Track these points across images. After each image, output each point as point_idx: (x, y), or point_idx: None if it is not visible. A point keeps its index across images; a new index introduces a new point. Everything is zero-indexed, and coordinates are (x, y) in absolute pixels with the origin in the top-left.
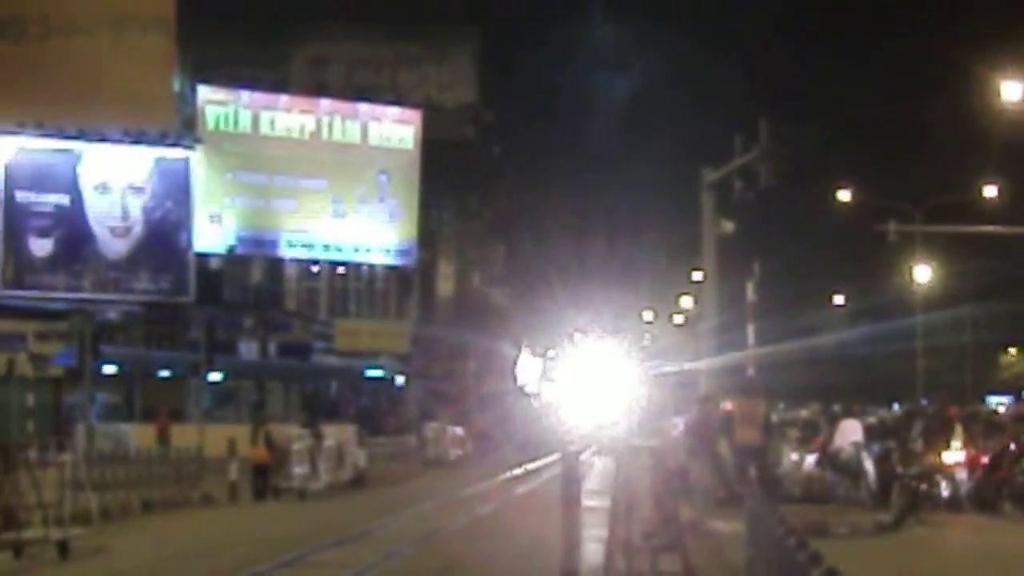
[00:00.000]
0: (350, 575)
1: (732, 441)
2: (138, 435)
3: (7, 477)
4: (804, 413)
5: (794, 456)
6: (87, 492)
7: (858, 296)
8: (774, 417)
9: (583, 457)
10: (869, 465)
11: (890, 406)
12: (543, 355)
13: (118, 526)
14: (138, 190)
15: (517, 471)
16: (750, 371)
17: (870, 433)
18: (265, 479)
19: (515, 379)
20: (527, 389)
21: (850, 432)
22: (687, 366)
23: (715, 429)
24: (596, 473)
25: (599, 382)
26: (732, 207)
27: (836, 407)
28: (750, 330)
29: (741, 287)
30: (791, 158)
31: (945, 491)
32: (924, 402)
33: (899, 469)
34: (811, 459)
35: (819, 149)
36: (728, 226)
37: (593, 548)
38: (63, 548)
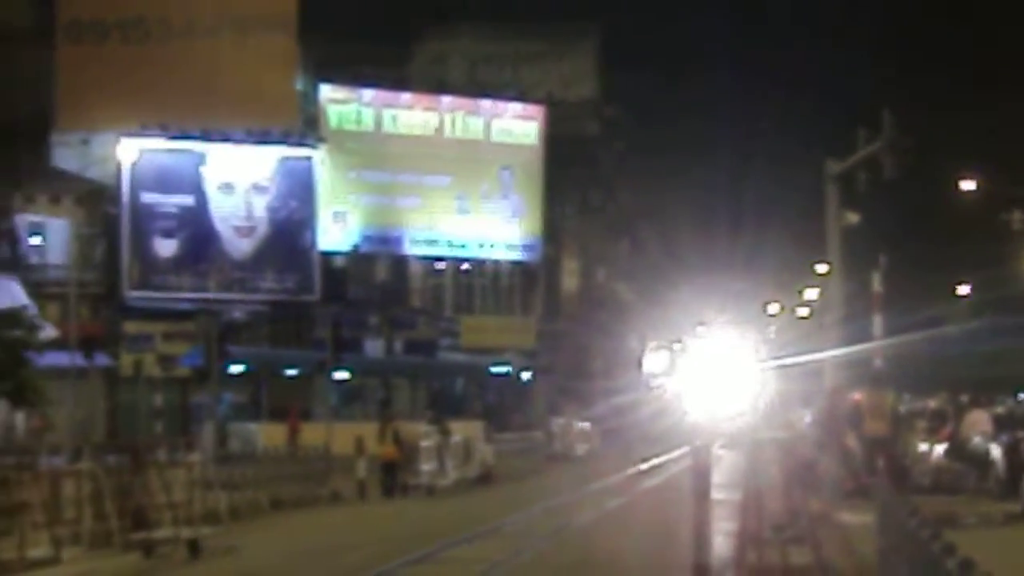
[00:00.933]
0: (481, 571)
1: (860, 433)
2: (265, 434)
3: (137, 477)
4: (932, 404)
5: (922, 447)
6: (216, 491)
7: (983, 286)
8: (901, 408)
9: (711, 450)
10: (998, 455)
11: (1016, 396)
12: (668, 349)
13: (248, 525)
14: (262, 189)
15: (644, 465)
16: (877, 363)
17: (999, 423)
18: (394, 476)
19: (641, 373)
20: (653, 383)
21: (978, 422)
22: (812, 357)
23: (843, 421)
24: (724, 466)
25: (725, 375)
26: (856, 199)
27: (964, 398)
28: (876, 322)
29: (866, 279)
30: (915, 149)
31: None
32: None
33: None
34: (939, 449)
35: (943, 138)
36: (852, 218)
37: (722, 541)
38: (194, 547)
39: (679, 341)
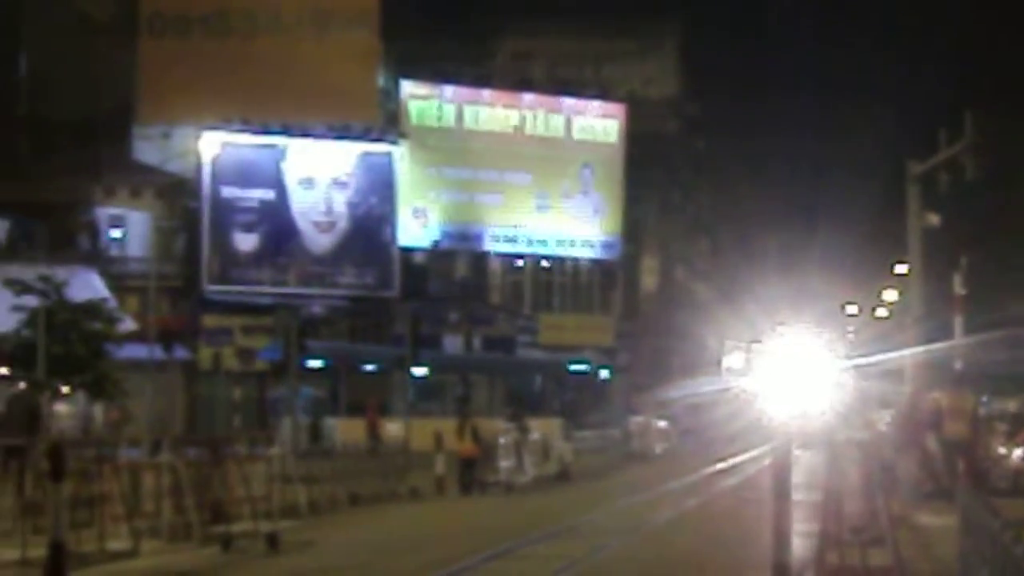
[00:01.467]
0: (560, 568)
1: (940, 434)
2: (343, 429)
3: (216, 470)
4: (1011, 406)
5: (1001, 449)
6: (295, 485)
7: None
8: (981, 410)
9: (791, 450)
10: None
11: None
12: (747, 348)
13: (326, 519)
14: (342, 185)
15: (722, 464)
16: (957, 365)
17: None
18: (472, 473)
19: (719, 372)
20: (730, 382)
21: None
22: (891, 356)
23: (923, 423)
24: (802, 467)
25: (802, 375)
26: (937, 200)
27: None
28: (957, 323)
29: (946, 280)
30: (997, 150)
31: None
32: None
33: None
34: (1018, 452)
35: None
36: (933, 219)
37: (800, 542)
38: (272, 541)
39: (757, 341)
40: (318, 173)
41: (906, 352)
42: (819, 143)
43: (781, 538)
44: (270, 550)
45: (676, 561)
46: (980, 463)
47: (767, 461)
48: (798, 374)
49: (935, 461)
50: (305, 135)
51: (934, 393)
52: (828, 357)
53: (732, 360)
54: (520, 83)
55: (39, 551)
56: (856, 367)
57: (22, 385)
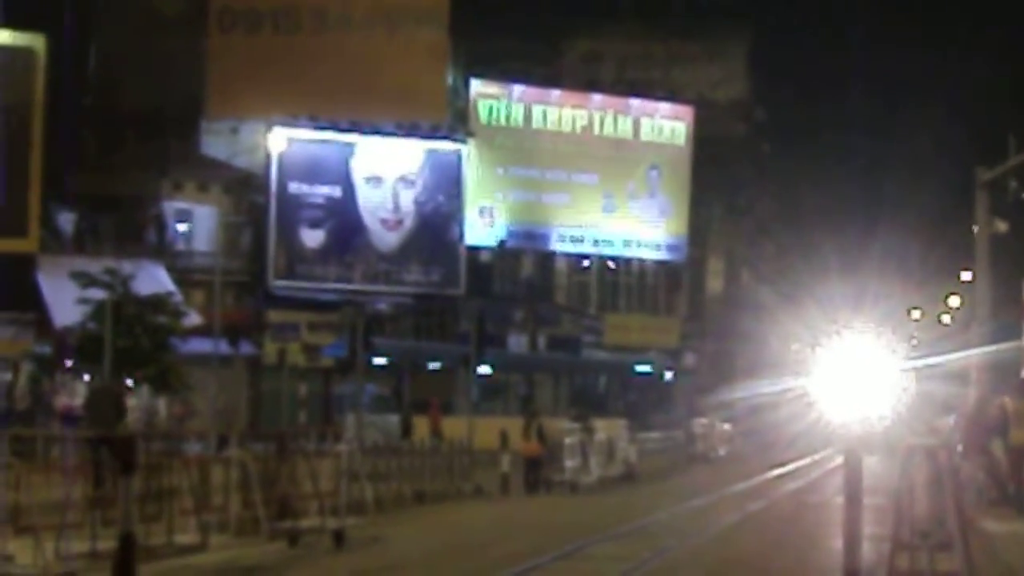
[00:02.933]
0: (628, 568)
1: (1006, 440)
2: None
3: (284, 466)
4: None
5: None
6: (362, 482)
7: None
8: None
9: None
10: None
11: None
12: (810, 352)
13: (392, 516)
14: (410, 183)
15: (785, 468)
16: (1023, 372)
17: None
18: (537, 472)
19: (782, 376)
20: (795, 386)
21: None
22: (955, 356)
23: (989, 428)
24: (866, 471)
25: (865, 377)
26: (1006, 207)
27: None
28: None
29: (1013, 286)
30: None
31: None
32: None
33: None
34: None
35: None
36: (1002, 226)
37: (866, 546)
38: (339, 537)
39: (820, 344)
40: (385, 171)
41: (970, 352)
42: (885, 148)
43: (852, 542)
44: (337, 546)
45: (742, 563)
46: None
47: (829, 465)
48: (859, 376)
49: (1000, 467)
50: (373, 132)
51: (1001, 398)
52: (890, 359)
53: (795, 363)
54: (589, 84)
55: (109, 543)
56: (918, 369)
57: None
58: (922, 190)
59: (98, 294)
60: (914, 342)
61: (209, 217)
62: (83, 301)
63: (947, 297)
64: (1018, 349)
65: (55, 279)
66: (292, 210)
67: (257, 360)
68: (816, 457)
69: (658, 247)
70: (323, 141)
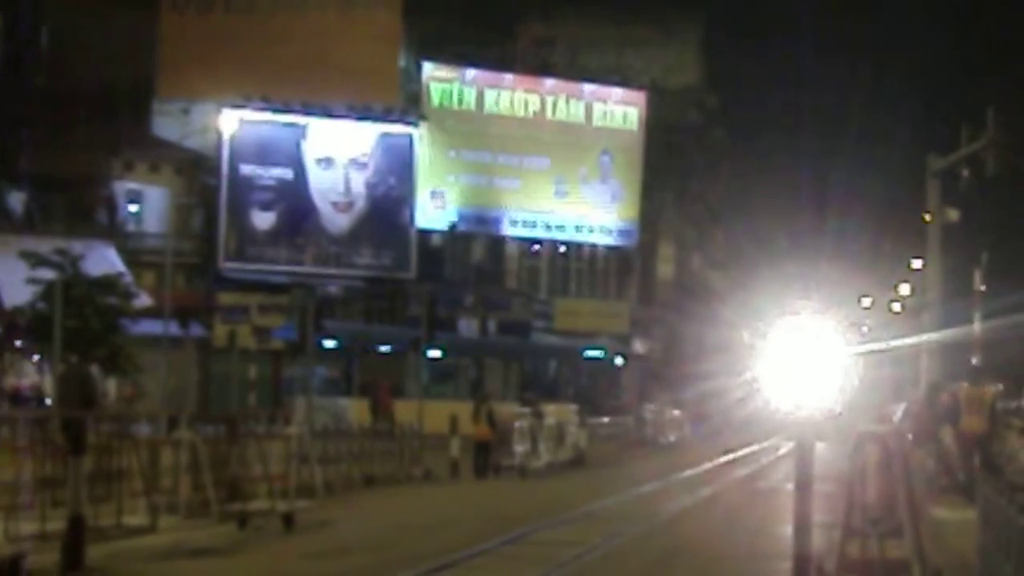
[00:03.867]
0: (576, 554)
1: (957, 429)
2: (356, 409)
3: (233, 448)
4: None
5: (1016, 445)
6: (312, 465)
7: None
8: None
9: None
10: None
11: None
12: (759, 337)
13: (341, 500)
14: (361, 165)
15: (735, 454)
16: (975, 359)
17: None
18: (487, 456)
19: (731, 361)
20: (744, 372)
21: None
22: (903, 343)
23: (940, 416)
24: (815, 457)
25: (814, 363)
26: (958, 195)
27: None
28: (976, 319)
29: (964, 275)
30: (1019, 147)
31: None
32: None
33: None
34: None
35: None
36: (953, 214)
37: (816, 533)
38: (288, 520)
39: (768, 328)
40: (337, 153)
41: (921, 338)
42: (837, 136)
43: (802, 529)
44: (286, 529)
45: (692, 549)
46: (996, 458)
47: (779, 451)
48: (806, 362)
49: (951, 454)
50: (325, 115)
51: (956, 386)
52: (838, 344)
53: (745, 349)
54: (541, 68)
55: (58, 525)
56: (868, 355)
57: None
58: (874, 178)
59: (48, 274)
60: (865, 329)
61: (160, 198)
62: (33, 281)
63: (898, 285)
64: (969, 335)
65: (4, 259)
66: (243, 192)
67: (207, 342)
68: (766, 444)
69: (609, 232)
70: (275, 123)
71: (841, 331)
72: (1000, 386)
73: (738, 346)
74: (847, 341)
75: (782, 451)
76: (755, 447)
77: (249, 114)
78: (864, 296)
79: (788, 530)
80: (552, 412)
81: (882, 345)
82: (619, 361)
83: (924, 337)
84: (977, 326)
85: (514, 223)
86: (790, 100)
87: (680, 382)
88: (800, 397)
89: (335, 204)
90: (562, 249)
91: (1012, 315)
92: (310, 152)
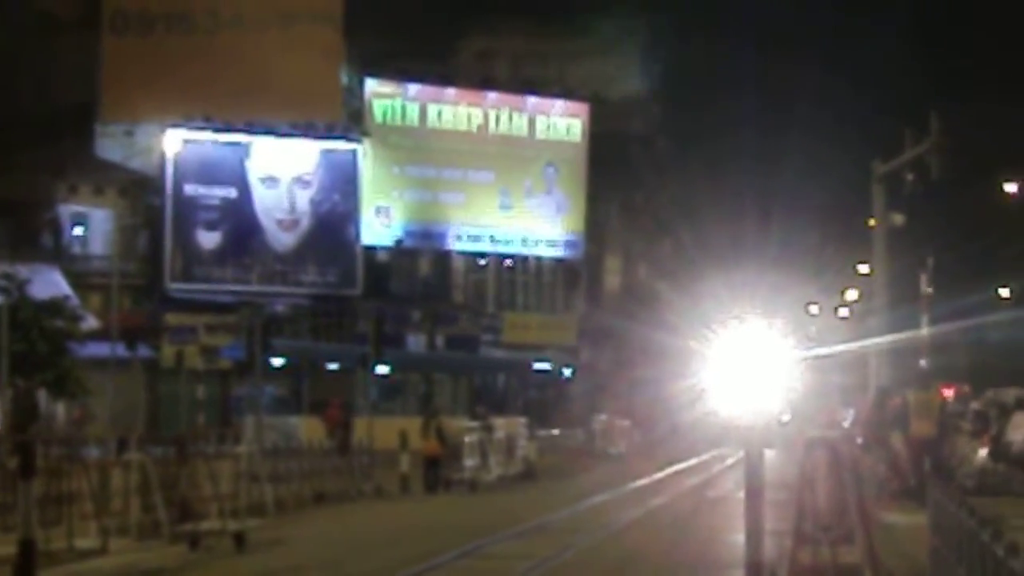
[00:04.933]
0: (529, 567)
1: (907, 434)
2: (306, 427)
3: (183, 468)
4: (975, 405)
5: (966, 449)
6: (262, 484)
7: None
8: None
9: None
10: None
11: None
12: (706, 345)
13: (293, 518)
14: (305, 183)
15: (685, 463)
16: (923, 363)
17: None
18: (437, 471)
19: (680, 371)
20: (693, 382)
21: (1023, 425)
22: (851, 347)
23: (889, 421)
24: (765, 464)
25: (760, 369)
26: (902, 200)
27: (1008, 400)
28: (924, 322)
29: (910, 280)
30: (962, 151)
31: None
32: None
33: None
34: (983, 451)
35: (992, 141)
36: (898, 219)
37: (768, 540)
38: (240, 539)
39: (716, 336)
40: (281, 171)
41: (866, 343)
42: (781, 142)
43: (754, 537)
44: (238, 548)
45: (643, 559)
46: (946, 462)
47: (729, 460)
48: (752, 367)
49: (901, 459)
50: (268, 133)
51: (902, 392)
52: (784, 349)
53: (694, 359)
54: (484, 82)
55: (9, 549)
56: (816, 359)
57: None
58: (819, 184)
59: None
60: (812, 336)
61: (105, 220)
62: None
63: (844, 291)
64: (916, 339)
65: None
66: (188, 212)
67: (155, 363)
68: (715, 452)
69: (555, 244)
70: (218, 142)
71: (786, 336)
72: (967, 387)
73: (685, 353)
74: (793, 346)
75: (732, 459)
76: (705, 456)
77: (192, 134)
78: (811, 303)
79: (740, 538)
80: (501, 426)
81: (827, 350)
82: (567, 373)
83: (870, 342)
84: (925, 330)
85: (460, 238)
86: (734, 107)
87: (629, 392)
88: (746, 403)
89: (280, 222)
90: (508, 263)
91: (960, 319)
92: (254, 171)
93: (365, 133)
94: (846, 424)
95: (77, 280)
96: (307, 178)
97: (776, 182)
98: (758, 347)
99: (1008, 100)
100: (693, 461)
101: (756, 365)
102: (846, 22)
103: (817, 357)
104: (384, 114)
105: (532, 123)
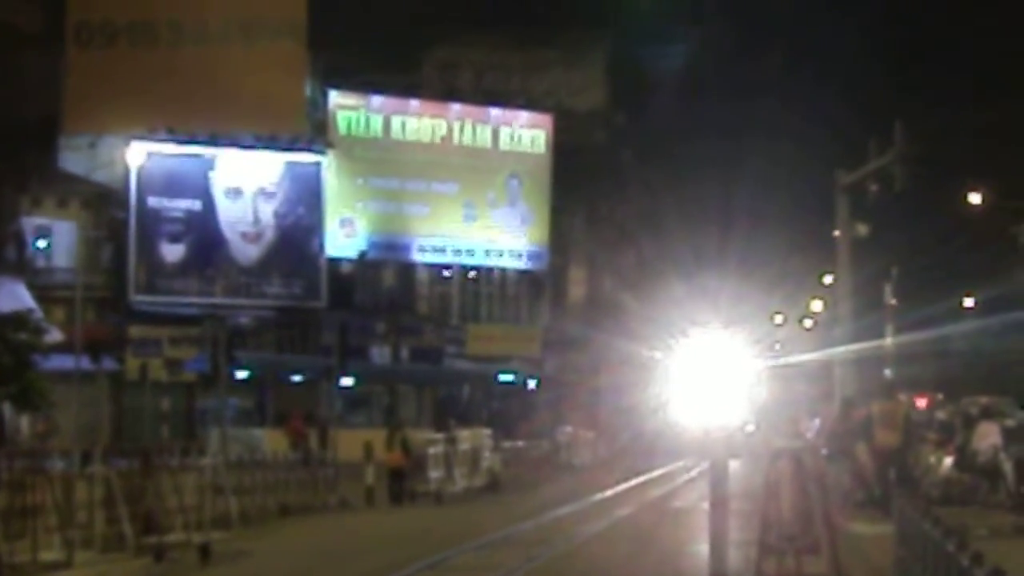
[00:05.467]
0: None
1: (872, 444)
2: (270, 440)
3: (148, 481)
4: (940, 415)
5: (931, 459)
6: (227, 496)
7: (990, 300)
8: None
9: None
10: (1008, 468)
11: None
12: (673, 358)
13: (257, 530)
14: (269, 195)
15: (650, 475)
16: (888, 373)
17: (1009, 436)
18: (401, 483)
19: (645, 382)
20: (657, 393)
21: (988, 434)
22: (814, 356)
23: (854, 431)
24: (730, 475)
25: (723, 379)
26: (866, 210)
27: (973, 410)
28: (888, 332)
29: (874, 290)
30: (926, 161)
31: None
32: None
33: None
34: (948, 461)
35: (956, 152)
36: (862, 229)
37: (733, 551)
38: (205, 552)
39: (678, 345)
40: (245, 183)
41: (828, 352)
42: (745, 153)
43: (719, 547)
44: (203, 561)
45: (610, 571)
46: (911, 472)
47: (694, 471)
48: (715, 377)
49: (866, 469)
50: (232, 145)
51: (867, 403)
52: (747, 358)
53: (658, 371)
54: (447, 93)
55: None
56: (780, 368)
57: None
58: (783, 195)
59: None
60: (777, 346)
61: (69, 233)
62: None
63: (809, 301)
64: (881, 349)
65: None
66: (152, 224)
67: (119, 375)
68: (679, 464)
69: (519, 256)
70: (182, 155)
71: (749, 345)
72: (940, 395)
73: (649, 363)
74: (756, 356)
75: (697, 470)
76: (670, 467)
77: (156, 146)
78: (777, 314)
79: (704, 549)
80: (466, 438)
81: (792, 359)
82: (532, 384)
83: (834, 351)
84: (889, 340)
85: (424, 249)
86: (698, 117)
87: (593, 402)
88: (709, 413)
89: (244, 234)
90: (472, 274)
91: (924, 328)
92: (218, 183)
93: (329, 145)
94: (810, 435)
95: (41, 293)
96: (271, 190)
97: (740, 192)
98: (720, 356)
99: (972, 109)
100: (657, 472)
101: (718, 375)
102: (811, 31)
103: (782, 367)
104: (348, 126)
105: (496, 135)
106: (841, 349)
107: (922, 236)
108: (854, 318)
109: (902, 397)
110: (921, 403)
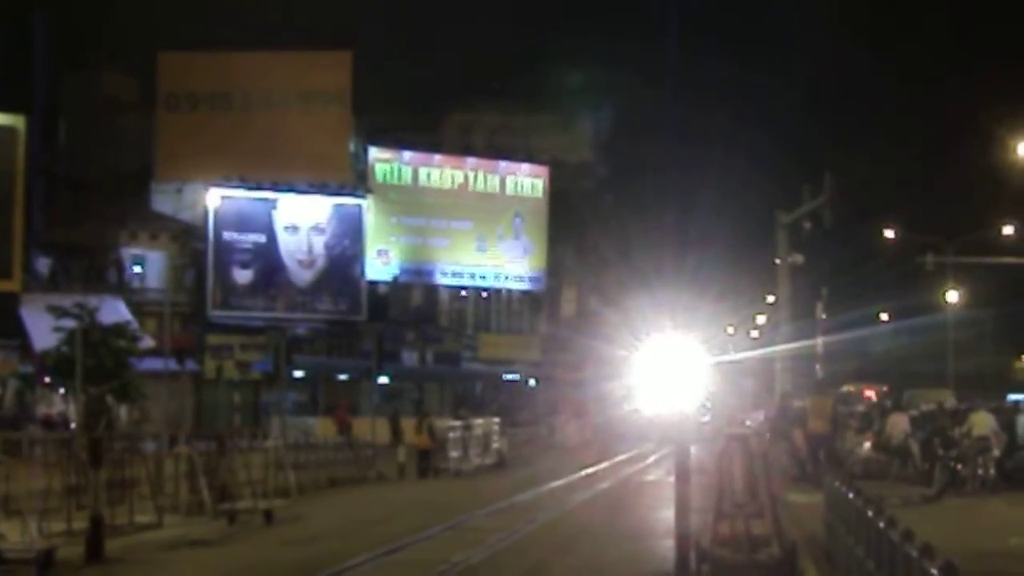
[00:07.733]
0: (503, 536)
1: (805, 430)
2: (321, 426)
3: (223, 460)
4: (860, 408)
5: (854, 442)
6: (287, 471)
7: (899, 311)
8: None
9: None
10: (915, 449)
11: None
12: (635, 354)
13: (311, 498)
14: (321, 230)
15: (626, 455)
16: (819, 373)
17: (915, 423)
18: (428, 461)
19: (621, 380)
20: (632, 389)
21: (899, 422)
22: (755, 354)
23: (791, 420)
24: (692, 456)
25: (680, 374)
26: (802, 242)
27: (887, 403)
28: (819, 342)
29: (808, 306)
30: (850, 203)
31: (980, 470)
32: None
33: (940, 452)
34: (867, 444)
35: (875, 192)
36: (798, 258)
37: (694, 516)
38: (269, 516)
39: (640, 345)
40: (301, 221)
41: (770, 350)
42: (701, 193)
43: (682, 512)
44: (267, 523)
45: (594, 528)
46: (837, 453)
47: (662, 452)
48: (673, 373)
49: (800, 451)
50: (290, 190)
51: (801, 397)
52: (699, 355)
53: (630, 369)
54: (464, 149)
55: (82, 524)
56: (728, 365)
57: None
58: (733, 227)
59: (69, 324)
60: (730, 350)
61: (159, 260)
62: (57, 330)
63: (756, 315)
64: (812, 350)
65: (35, 312)
66: (226, 254)
67: (199, 375)
68: (650, 446)
69: (522, 280)
70: (251, 198)
71: (700, 345)
72: (885, 387)
73: (618, 360)
74: (707, 354)
75: (666, 451)
76: (643, 449)
77: (229, 191)
78: (729, 325)
79: (670, 514)
80: (479, 424)
81: (737, 356)
82: (532, 382)
83: (772, 349)
84: (820, 346)
85: (445, 274)
86: (668, 171)
87: (582, 397)
88: (666, 402)
89: (300, 262)
90: (484, 294)
91: (847, 331)
92: (279, 221)
93: (368, 190)
94: (757, 423)
95: (136, 308)
96: (322, 227)
97: (698, 227)
98: (675, 354)
99: (888, 159)
100: (635, 452)
101: (674, 369)
102: (753, 91)
103: (730, 363)
104: (384, 175)
105: (503, 182)
106: (780, 348)
107: (846, 262)
108: (791, 333)
109: (851, 388)
110: (869, 393)
